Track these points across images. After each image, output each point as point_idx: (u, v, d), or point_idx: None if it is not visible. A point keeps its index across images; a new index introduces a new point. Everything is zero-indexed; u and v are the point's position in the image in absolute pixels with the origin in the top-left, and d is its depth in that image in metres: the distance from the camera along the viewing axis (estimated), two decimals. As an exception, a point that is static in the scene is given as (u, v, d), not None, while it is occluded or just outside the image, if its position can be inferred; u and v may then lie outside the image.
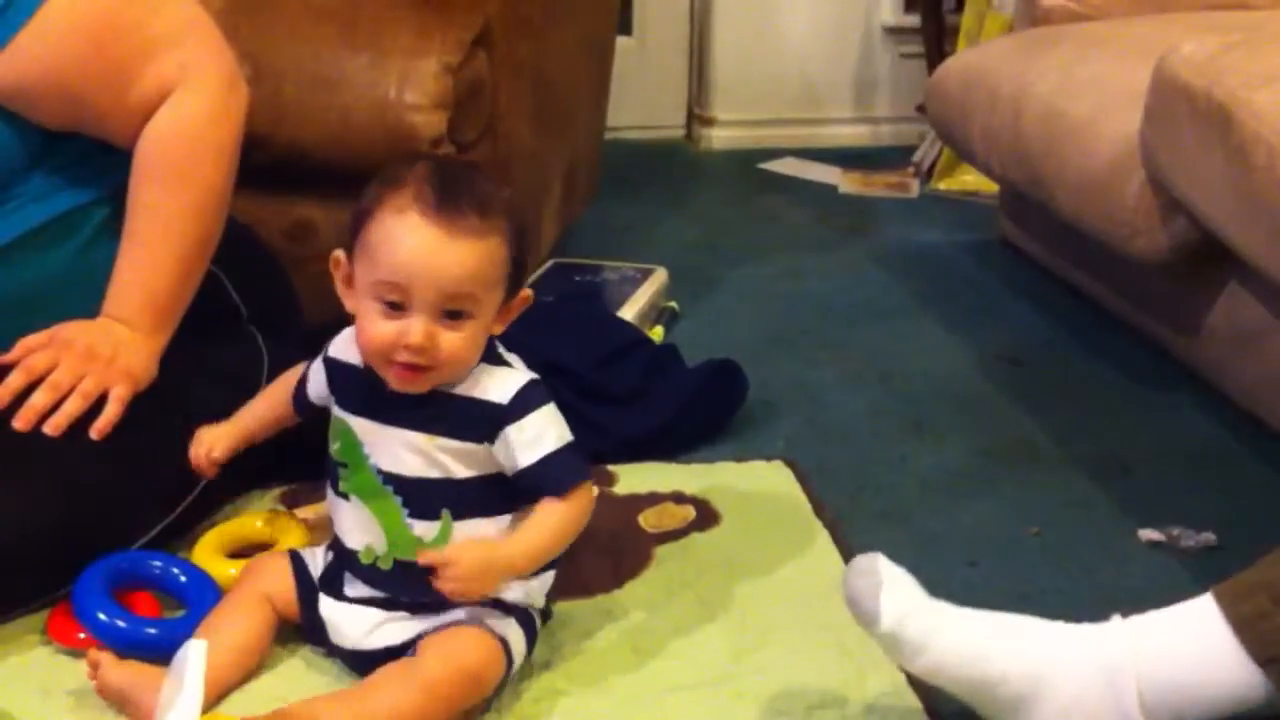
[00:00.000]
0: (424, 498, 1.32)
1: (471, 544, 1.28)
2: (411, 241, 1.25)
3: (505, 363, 1.35)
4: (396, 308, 1.26)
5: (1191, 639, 1.18)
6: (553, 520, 1.31)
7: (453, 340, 1.27)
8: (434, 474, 1.32)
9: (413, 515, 1.32)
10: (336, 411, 1.36)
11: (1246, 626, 1.16)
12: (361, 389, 1.33)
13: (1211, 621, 1.18)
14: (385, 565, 1.34)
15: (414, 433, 1.31)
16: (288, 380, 1.46)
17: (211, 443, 1.44)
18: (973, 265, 2.62)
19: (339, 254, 1.33)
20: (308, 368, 1.43)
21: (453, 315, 1.27)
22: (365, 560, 1.34)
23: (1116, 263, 2.09)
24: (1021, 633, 1.23)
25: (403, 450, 1.32)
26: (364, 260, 1.28)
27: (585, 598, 1.48)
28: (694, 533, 1.63)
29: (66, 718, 1.30)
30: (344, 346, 1.38)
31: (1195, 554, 1.62)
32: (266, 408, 1.48)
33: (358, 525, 1.35)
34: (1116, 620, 1.22)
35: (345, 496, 1.35)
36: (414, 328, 1.26)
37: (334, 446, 1.36)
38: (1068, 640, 1.21)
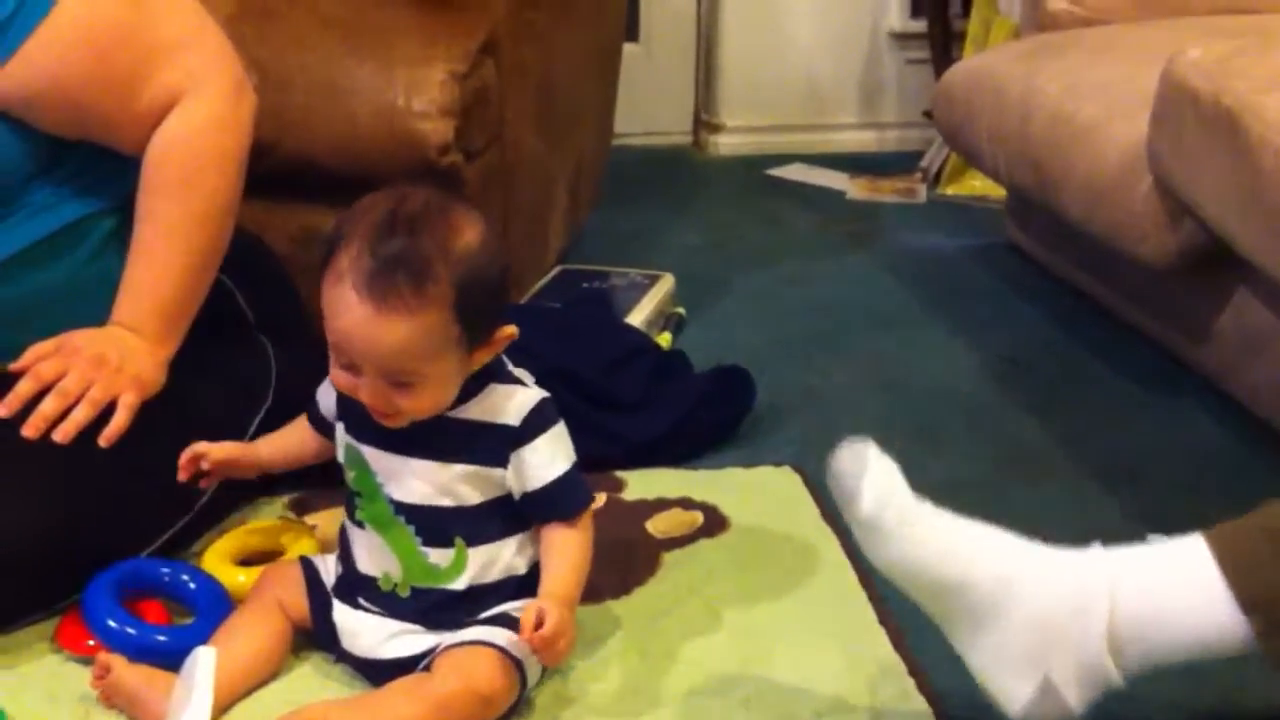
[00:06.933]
0: (437, 526, 1.32)
1: (551, 606, 1.25)
2: (345, 317, 1.23)
3: (515, 379, 1.34)
4: (350, 366, 1.26)
5: (1176, 576, 1.14)
6: (575, 547, 1.31)
7: (407, 399, 1.26)
8: (446, 502, 1.31)
9: (426, 544, 1.32)
10: (351, 440, 1.35)
11: (1237, 570, 1.13)
12: (371, 418, 1.31)
13: (1199, 560, 1.14)
14: (403, 593, 1.33)
15: (428, 462, 1.31)
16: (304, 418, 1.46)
17: (208, 450, 1.44)
18: (981, 270, 2.62)
19: None
20: (318, 388, 1.42)
21: (400, 383, 1.25)
22: (384, 588, 1.34)
23: (1124, 267, 2.09)
24: (997, 542, 1.20)
25: (416, 480, 1.31)
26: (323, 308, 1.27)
27: (594, 604, 1.47)
28: (702, 539, 1.63)
29: (76, 725, 1.30)
30: None
31: (1204, 559, 1.62)
32: (282, 437, 1.48)
33: (374, 553, 1.34)
34: (1097, 547, 1.18)
35: (361, 525, 1.35)
36: (363, 391, 1.26)
37: (350, 475, 1.36)
38: (1044, 559, 1.18)
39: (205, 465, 1.44)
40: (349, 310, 1.22)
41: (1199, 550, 1.15)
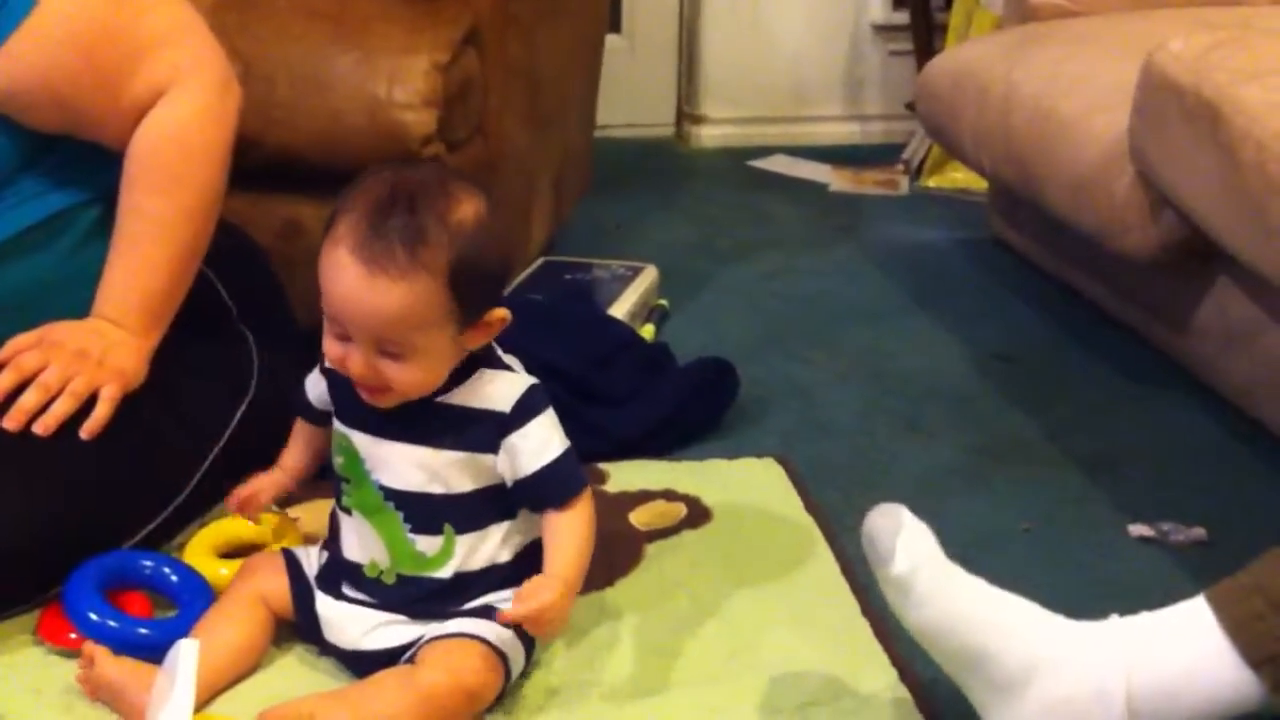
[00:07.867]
0: (425, 513, 1.31)
1: (544, 584, 1.26)
2: (337, 280, 1.23)
3: (504, 365, 1.34)
4: (342, 335, 1.26)
5: (1185, 642, 1.18)
6: (577, 529, 1.31)
7: (396, 371, 1.26)
8: (436, 489, 1.31)
9: (415, 531, 1.32)
10: (339, 426, 1.35)
11: (1241, 629, 1.16)
12: (360, 403, 1.31)
13: (1205, 624, 1.18)
14: (389, 580, 1.33)
15: (418, 448, 1.30)
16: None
17: (257, 489, 1.44)
18: (963, 262, 2.63)
19: None
20: (306, 379, 1.42)
21: (390, 353, 1.25)
22: (370, 574, 1.34)
23: (1107, 259, 2.09)
24: (1025, 618, 1.22)
25: (405, 466, 1.31)
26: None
27: (578, 595, 1.47)
28: (685, 530, 1.63)
29: (58, 717, 1.29)
30: None
31: (1185, 549, 1.63)
32: (298, 443, 1.46)
33: (361, 540, 1.34)
34: (1114, 619, 1.21)
35: (348, 511, 1.35)
36: (352, 359, 1.25)
37: (337, 461, 1.35)
38: (1066, 636, 1.21)
39: (252, 512, 1.44)
40: (343, 271, 1.22)
41: (1202, 614, 1.18)
